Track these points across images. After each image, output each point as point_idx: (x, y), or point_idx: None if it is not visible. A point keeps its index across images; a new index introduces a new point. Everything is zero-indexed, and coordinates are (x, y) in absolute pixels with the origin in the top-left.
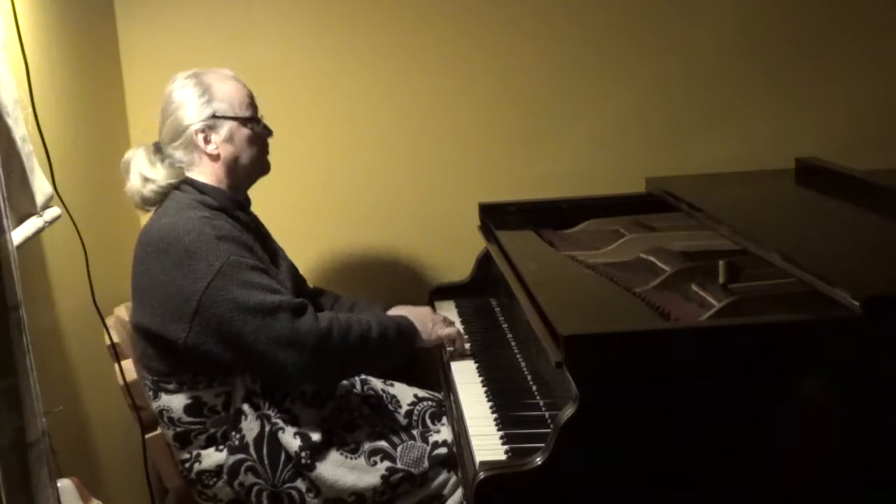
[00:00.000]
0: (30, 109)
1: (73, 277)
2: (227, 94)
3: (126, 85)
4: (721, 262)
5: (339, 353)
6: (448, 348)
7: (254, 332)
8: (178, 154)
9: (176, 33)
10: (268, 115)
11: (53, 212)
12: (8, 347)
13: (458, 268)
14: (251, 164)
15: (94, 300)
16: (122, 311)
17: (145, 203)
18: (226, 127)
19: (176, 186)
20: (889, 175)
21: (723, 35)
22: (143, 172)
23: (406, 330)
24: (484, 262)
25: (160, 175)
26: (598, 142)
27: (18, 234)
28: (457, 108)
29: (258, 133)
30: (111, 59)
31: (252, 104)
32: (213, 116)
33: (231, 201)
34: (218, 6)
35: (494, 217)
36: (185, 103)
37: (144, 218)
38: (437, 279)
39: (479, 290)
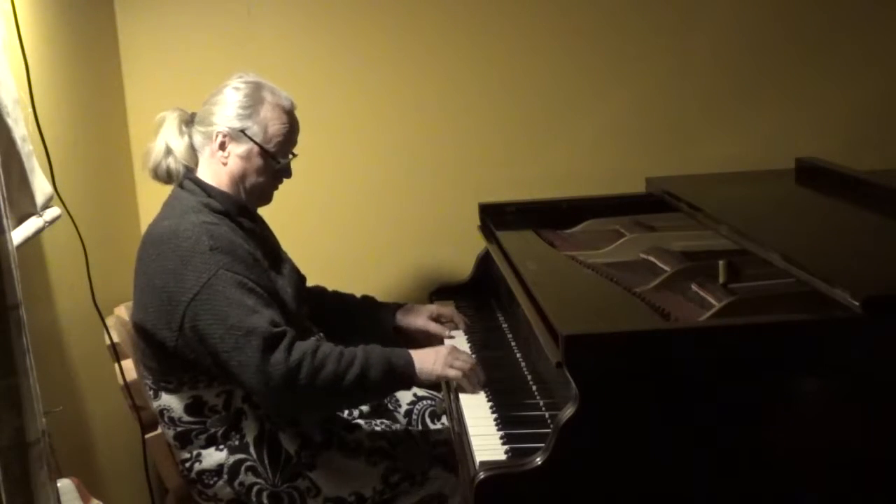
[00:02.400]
0: (30, 109)
1: (73, 277)
2: (267, 121)
3: (126, 85)
4: (721, 262)
5: (305, 392)
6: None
7: (227, 352)
8: (198, 137)
9: (176, 33)
10: None
11: (53, 212)
12: (8, 347)
13: (458, 268)
14: (252, 188)
15: (94, 300)
16: (122, 311)
17: (155, 173)
18: (247, 146)
19: (180, 183)
20: (889, 175)
21: (723, 35)
22: (169, 142)
23: (399, 370)
24: (484, 262)
25: (181, 148)
26: (598, 142)
27: (18, 234)
28: (457, 109)
29: (274, 169)
30: (111, 59)
31: (287, 142)
32: (242, 131)
33: (235, 206)
34: (218, 6)
35: (494, 217)
36: (228, 104)
37: (144, 217)
38: (437, 279)
39: (479, 290)
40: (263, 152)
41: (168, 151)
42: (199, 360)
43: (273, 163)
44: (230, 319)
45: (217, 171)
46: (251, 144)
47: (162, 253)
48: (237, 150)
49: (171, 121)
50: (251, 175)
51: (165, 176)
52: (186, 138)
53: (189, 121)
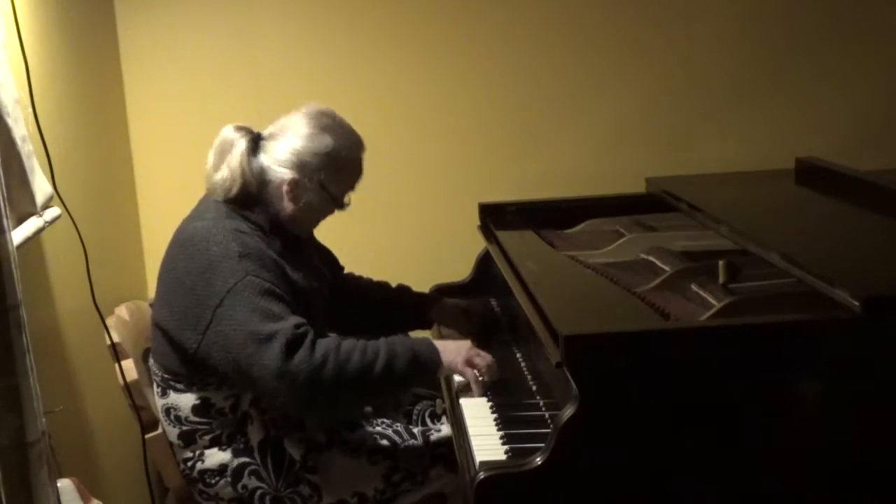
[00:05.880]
0: (30, 109)
1: (73, 277)
2: (347, 180)
3: (126, 85)
4: (721, 262)
5: (333, 387)
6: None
7: (249, 357)
8: (271, 168)
9: (176, 33)
10: (268, 115)
11: (53, 212)
12: (8, 347)
13: (458, 268)
14: (311, 223)
15: (94, 300)
16: (123, 311)
17: (221, 193)
18: (322, 194)
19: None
20: (889, 175)
21: (723, 35)
22: (244, 167)
23: (424, 359)
24: (484, 262)
25: (251, 175)
26: (599, 142)
27: (18, 234)
28: (457, 108)
29: (335, 211)
30: (111, 59)
31: (353, 187)
32: (322, 187)
33: (272, 224)
34: (218, 6)
35: (494, 217)
36: (307, 149)
37: (144, 217)
38: (437, 279)
39: (479, 290)
40: (335, 200)
41: (242, 176)
42: (218, 367)
43: (338, 209)
44: (250, 326)
45: (284, 205)
46: (327, 194)
47: (192, 254)
48: (310, 195)
49: (242, 146)
50: (316, 214)
51: (230, 195)
52: (258, 165)
53: (256, 141)
